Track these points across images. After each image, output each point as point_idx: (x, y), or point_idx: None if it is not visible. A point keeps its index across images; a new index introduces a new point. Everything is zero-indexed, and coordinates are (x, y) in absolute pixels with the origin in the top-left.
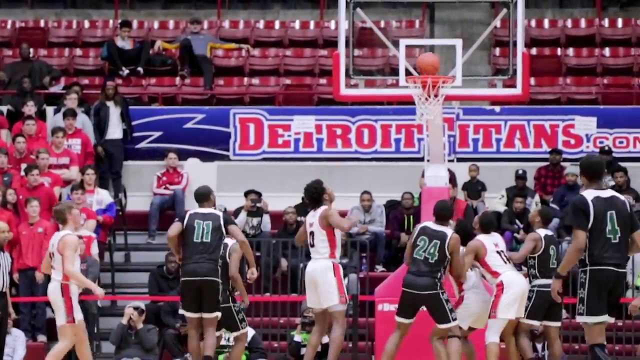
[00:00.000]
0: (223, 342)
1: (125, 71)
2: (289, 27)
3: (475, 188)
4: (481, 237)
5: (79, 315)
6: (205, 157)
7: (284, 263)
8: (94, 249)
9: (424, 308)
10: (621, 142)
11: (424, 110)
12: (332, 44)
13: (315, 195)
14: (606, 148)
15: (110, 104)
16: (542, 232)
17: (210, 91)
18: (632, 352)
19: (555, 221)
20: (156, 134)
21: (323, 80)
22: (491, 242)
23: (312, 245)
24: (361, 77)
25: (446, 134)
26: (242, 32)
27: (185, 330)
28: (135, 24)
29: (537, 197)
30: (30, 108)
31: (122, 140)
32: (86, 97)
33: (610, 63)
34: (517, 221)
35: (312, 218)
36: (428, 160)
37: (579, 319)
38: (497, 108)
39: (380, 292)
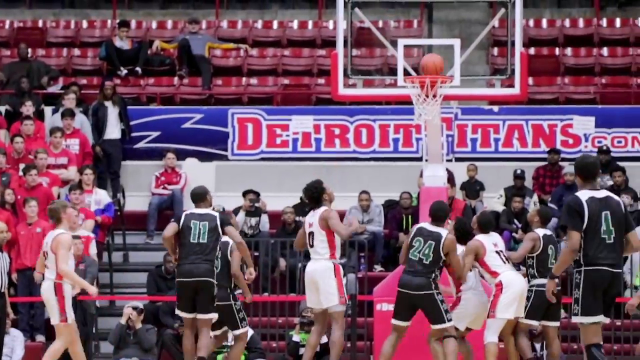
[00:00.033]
0: (225, 342)
1: (124, 71)
2: (287, 27)
3: (473, 188)
4: (480, 237)
5: (71, 314)
6: (204, 157)
7: (282, 263)
8: (93, 249)
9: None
10: (619, 142)
11: (422, 110)
12: (330, 43)
13: (315, 194)
14: (604, 147)
15: (108, 104)
16: (540, 231)
17: (209, 91)
18: (630, 351)
19: (554, 221)
20: (154, 134)
21: (321, 80)
22: (490, 242)
23: (312, 246)
24: (359, 77)
25: (444, 134)
26: (240, 32)
27: (183, 330)
28: (133, 24)
29: (535, 197)
30: (28, 108)
31: (121, 140)
32: (84, 97)
33: (609, 63)
34: (516, 221)
35: (312, 218)
36: (426, 160)
37: (575, 319)
38: (496, 108)
39: (379, 291)
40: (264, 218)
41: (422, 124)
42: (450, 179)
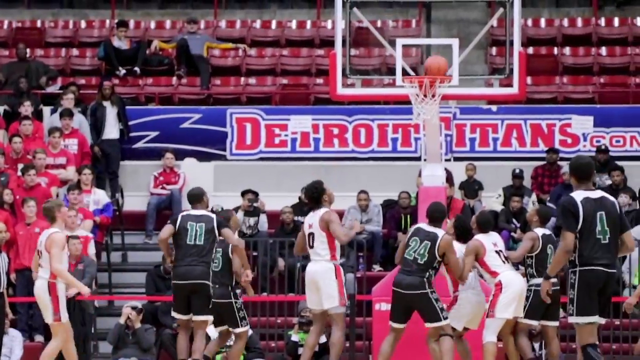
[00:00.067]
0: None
1: (122, 71)
2: (285, 26)
3: (472, 187)
4: (480, 237)
5: (65, 314)
6: (202, 157)
7: (281, 263)
8: (91, 249)
9: None
10: (618, 141)
11: (421, 110)
12: (328, 43)
13: (315, 195)
14: (603, 147)
15: (107, 104)
16: (539, 231)
17: (207, 91)
18: (629, 351)
19: (553, 220)
20: (153, 134)
21: (320, 80)
22: (490, 242)
23: (312, 247)
24: (358, 76)
25: (443, 134)
26: (238, 31)
27: None
28: (132, 23)
29: (534, 196)
30: (27, 108)
31: (119, 140)
32: (83, 97)
33: (607, 62)
34: (514, 220)
35: (312, 219)
36: (425, 160)
37: (570, 320)
38: (494, 107)
39: (378, 291)
40: (263, 218)
41: (421, 124)
42: (449, 179)
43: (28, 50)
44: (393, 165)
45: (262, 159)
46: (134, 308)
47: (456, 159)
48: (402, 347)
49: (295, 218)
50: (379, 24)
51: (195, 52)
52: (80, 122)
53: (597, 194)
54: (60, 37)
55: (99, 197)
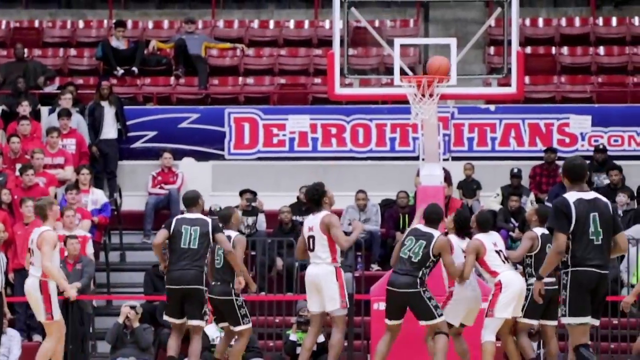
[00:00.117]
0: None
1: (120, 71)
2: (283, 26)
3: (470, 187)
4: (480, 236)
5: (58, 312)
6: (200, 157)
7: (279, 262)
8: (89, 249)
9: None
10: (616, 141)
11: (419, 110)
12: (326, 43)
13: (315, 197)
14: (601, 146)
15: (104, 103)
16: (538, 230)
17: (205, 91)
18: (627, 350)
19: None
20: (151, 134)
21: (318, 80)
22: (490, 241)
23: (312, 250)
24: (356, 76)
25: (441, 133)
26: (236, 31)
27: None
28: (129, 23)
29: (532, 196)
30: (24, 108)
31: (117, 140)
32: (81, 97)
33: (605, 62)
34: (512, 220)
35: (312, 222)
36: (423, 159)
37: (563, 320)
38: (492, 107)
39: (376, 291)
40: (261, 217)
41: (419, 123)
42: (447, 178)
43: (26, 50)
44: (391, 164)
45: (260, 158)
46: (132, 307)
47: (454, 159)
48: (398, 346)
49: (294, 218)
50: (376, 23)
51: (193, 52)
52: (78, 122)
53: (591, 195)
54: (58, 37)
55: (97, 197)
